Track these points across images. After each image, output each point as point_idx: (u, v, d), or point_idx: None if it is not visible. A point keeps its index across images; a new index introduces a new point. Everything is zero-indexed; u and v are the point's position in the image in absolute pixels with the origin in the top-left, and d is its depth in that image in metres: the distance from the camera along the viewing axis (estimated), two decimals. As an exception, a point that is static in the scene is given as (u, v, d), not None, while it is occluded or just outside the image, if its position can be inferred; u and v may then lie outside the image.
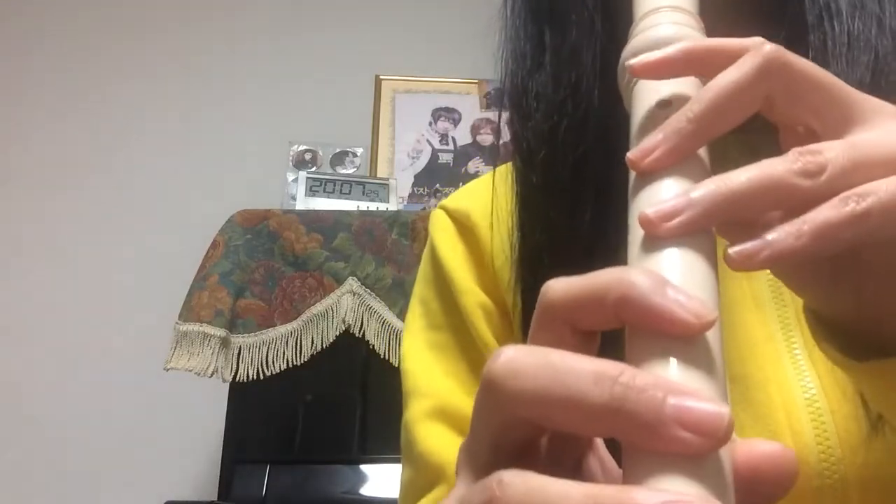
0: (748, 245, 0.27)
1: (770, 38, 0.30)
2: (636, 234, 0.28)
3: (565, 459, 0.27)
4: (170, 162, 2.03)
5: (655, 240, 0.27)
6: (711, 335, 0.25)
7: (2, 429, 1.80)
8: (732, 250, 0.27)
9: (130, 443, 1.79)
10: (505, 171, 0.59)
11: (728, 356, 0.27)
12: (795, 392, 0.45)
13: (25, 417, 1.81)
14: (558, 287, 0.26)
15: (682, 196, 0.27)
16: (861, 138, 0.29)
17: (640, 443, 0.22)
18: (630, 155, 0.30)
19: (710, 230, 0.28)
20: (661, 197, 0.28)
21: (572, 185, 0.50)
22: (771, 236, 0.27)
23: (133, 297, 1.89)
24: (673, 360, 0.24)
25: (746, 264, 0.27)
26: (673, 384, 0.22)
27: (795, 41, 0.44)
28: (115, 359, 1.84)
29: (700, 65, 0.32)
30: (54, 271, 1.93)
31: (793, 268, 0.33)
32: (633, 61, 0.32)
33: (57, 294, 1.91)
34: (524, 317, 0.52)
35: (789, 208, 0.28)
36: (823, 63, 0.44)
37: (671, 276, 0.25)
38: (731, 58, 0.30)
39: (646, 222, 0.27)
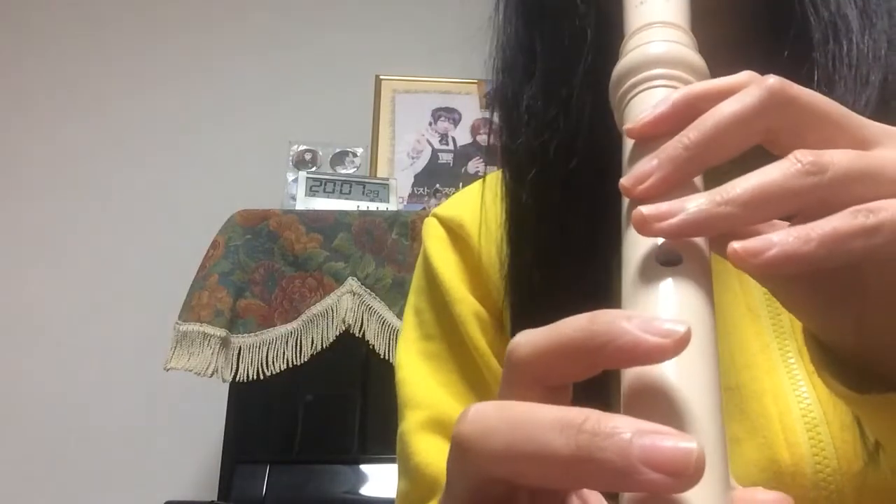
0: (753, 241, 0.26)
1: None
2: (631, 261, 0.28)
3: None
4: (170, 162, 2.03)
5: (651, 269, 0.26)
6: (696, 356, 0.24)
7: (2, 428, 1.80)
8: (737, 244, 0.26)
9: (130, 443, 1.78)
10: (495, 179, 0.58)
11: (723, 366, 0.27)
12: (791, 402, 0.45)
13: (25, 417, 1.81)
14: (525, 344, 0.25)
15: (677, 205, 0.26)
16: (870, 153, 0.28)
17: (614, 490, 0.21)
18: (623, 181, 0.29)
19: (706, 255, 0.27)
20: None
21: (563, 202, 0.49)
22: (777, 237, 0.25)
23: (133, 297, 1.89)
24: (653, 394, 0.23)
25: (749, 262, 0.25)
26: (641, 424, 0.21)
27: (800, 58, 0.43)
28: (115, 359, 1.84)
29: (697, 112, 0.30)
30: (54, 271, 1.93)
31: (790, 288, 0.32)
32: (627, 126, 0.31)
33: (57, 294, 1.91)
34: (513, 334, 0.51)
35: (795, 214, 0.27)
36: (829, 81, 0.42)
37: (665, 307, 0.25)
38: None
39: (640, 221, 0.26)
